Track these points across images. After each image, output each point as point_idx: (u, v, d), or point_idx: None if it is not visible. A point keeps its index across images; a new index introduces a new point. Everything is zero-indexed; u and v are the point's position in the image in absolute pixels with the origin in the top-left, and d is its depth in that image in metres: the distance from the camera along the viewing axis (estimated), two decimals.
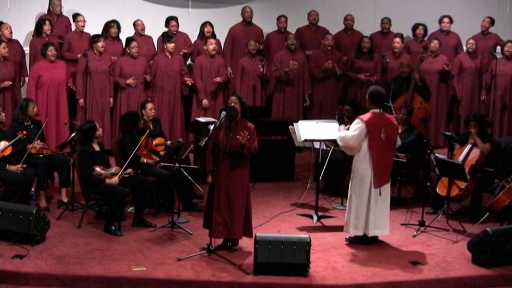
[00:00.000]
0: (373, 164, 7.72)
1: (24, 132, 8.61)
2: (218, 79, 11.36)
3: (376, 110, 7.83)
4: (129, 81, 11.03)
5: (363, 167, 7.77)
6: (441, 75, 11.92)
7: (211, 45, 11.36)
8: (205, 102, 11.38)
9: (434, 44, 11.71)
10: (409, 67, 10.99)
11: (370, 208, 7.78)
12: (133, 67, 11.12)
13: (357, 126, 7.74)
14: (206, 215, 7.61)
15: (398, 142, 8.09)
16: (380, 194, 7.79)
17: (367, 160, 7.74)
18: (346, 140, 7.78)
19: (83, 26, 11.42)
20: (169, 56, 11.28)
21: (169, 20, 11.80)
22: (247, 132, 7.35)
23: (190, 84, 11.36)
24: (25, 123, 8.94)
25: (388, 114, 8.02)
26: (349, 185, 7.93)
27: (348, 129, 7.91)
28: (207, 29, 11.76)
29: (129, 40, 11.22)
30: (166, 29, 11.77)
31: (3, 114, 9.08)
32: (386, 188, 7.88)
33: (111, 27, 11.43)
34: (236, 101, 7.51)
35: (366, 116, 7.79)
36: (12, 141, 8.54)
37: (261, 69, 11.49)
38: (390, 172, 7.90)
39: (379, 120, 7.77)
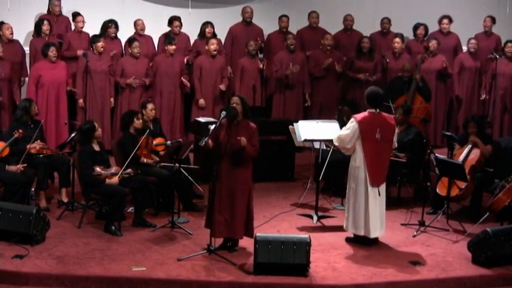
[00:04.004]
0: (367, 163, 7.74)
1: (20, 131, 8.60)
2: (222, 86, 11.37)
3: (373, 110, 7.85)
4: (129, 80, 11.02)
5: (357, 166, 7.80)
6: (440, 74, 11.92)
7: (212, 45, 11.35)
8: (201, 102, 11.37)
9: (433, 43, 11.70)
10: (410, 72, 10.98)
11: (370, 208, 7.78)
12: (135, 67, 11.11)
13: (350, 125, 7.80)
14: (208, 215, 7.61)
15: (395, 144, 8.06)
16: (379, 195, 7.79)
17: (361, 159, 7.76)
18: (341, 139, 7.82)
19: (82, 26, 11.42)
20: (169, 57, 11.27)
21: (172, 20, 11.78)
22: (248, 132, 7.37)
23: (185, 84, 11.35)
24: (27, 123, 8.94)
25: (386, 114, 8.01)
26: (347, 184, 7.94)
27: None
28: (208, 29, 11.74)
29: (131, 40, 11.23)
30: (167, 29, 11.75)
31: None
32: (382, 188, 7.88)
33: (109, 27, 11.43)
34: (238, 101, 7.52)
35: (360, 115, 7.83)
36: (9, 142, 8.53)
37: (261, 66, 11.49)
38: (386, 172, 7.91)
39: (374, 120, 7.79)
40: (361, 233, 7.86)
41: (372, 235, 7.85)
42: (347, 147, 7.82)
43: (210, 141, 7.36)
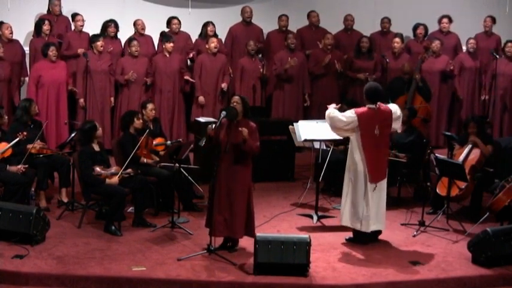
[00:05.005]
0: (366, 159, 7.74)
1: (25, 133, 8.59)
2: (224, 85, 11.36)
3: (372, 106, 7.84)
4: (127, 76, 10.99)
5: (356, 161, 7.79)
6: (443, 75, 11.91)
7: (212, 44, 11.35)
8: (201, 99, 11.37)
9: (436, 44, 11.70)
10: (409, 74, 10.98)
11: (370, 202, 7.77)
12: (135, 67, 11.10)
13: (349, 115, 7.77)
14: (208, 215, 7.61)
15: (395, 127, 8.02)
16: (374, 189, 7.78)
17: (360, 154, 7.76)
18: (335, 121, 7.82)
19: (82, 26, 11.42)
20: (168, 56, 11.27)
21: (170, 19, 11.80)
22: (248, 132, 7.38)
23: (189, 80, 11.35)
24: (26, 124, 8.93)
25: (385, 107, 7.95)
26: (344, 178, 7.93)
27: (339, 109, 7.96)
28: (210, 28, 11.74)
29: (130, 40, 11.24)
30: (167, 29, 11.76)
31: (6, 117, 9.08)
32: (382, 183, 7.88)
33: (108, 26, 11.43)
34: (238, 101, 7.52)
35: (360, 110, 7.82)
36: (12, 143, 8.53)
37: (261, 70, 11.49)
38: (386, 167, 7.91)
39: (373, 116, 7.78)
40: (358, 226, 7.85)
41: (371, 229, 7.84)
42: (339, 127, 7.78)
43: (212, 130, 7.35)
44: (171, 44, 11.21)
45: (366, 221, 7.81)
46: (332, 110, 7.91)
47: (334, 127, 7.85)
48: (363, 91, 7.98)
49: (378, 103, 7.83)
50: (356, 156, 7.79)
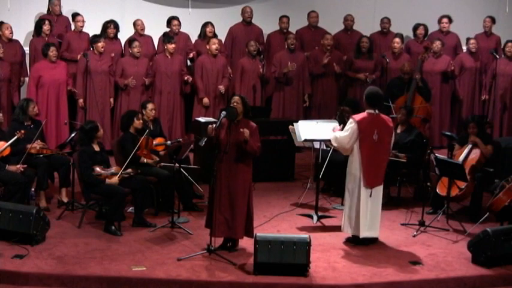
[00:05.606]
0: (362, 164, 7.74)
1: (23, 131, 8.59)
2: (221, 87, 11.35)
3: (372, 111, 7.84)
4: (127, 81, 10.99)
5: (354, 167, 7.80)
6: (444, 76, 11.91)
7: (214, 45, 11.34)
8: (205, 100, 11.37)
9: (437, 44, 11.70)
10: (409, 74, 10.98)
11: (361, 209, 7.77)
12: (136, 68, 11.10)
13: (349, 126, 7.80)
14: (208, 215, 7.61)
15: (390, 144, 8.06)
16: (370, 196, 7.78)
17: (358, 160, 7.76)
18: (339, 141, 7.83)
19: (82, 26, 11.42)
20: (169, 57, 11.27)
21: (171, 20, 11.80)
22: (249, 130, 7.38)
23: (188, 80, 11.33)
24: (25, 123, 8.93)
25: (385, 116, 8.00)
26: (345, 185, 7.94)
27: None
28: (209, 29, 11.74)
29: (131, 40, 11.24)
30: (167, 29, 11.76)
31: (1, 115, 9.08)
32: (378, 190, 7.87)
33: (108, 27, 11.42)
34: (239, 101, 7.51)
35: (359, 116, 7.82)
36: (10, 141, 8.53)
37: (261, 70, 11.49)
38: (383, 174, 7.90)
39: (372, 121, 7.78)
40: (355, 232, 7.86)
41: (361, 235, 7.84)
42: (346, 147, 7.82)
43: (212, 129, 7.34)
44: (173, 45, 11.21)
45: (358, 227, 7.81)
46: (334, 133, 7.94)
47: (343, 147, 7.84)
48: (363, 96, 7.97)
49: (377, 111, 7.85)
50: (355, 165, 7.79)
